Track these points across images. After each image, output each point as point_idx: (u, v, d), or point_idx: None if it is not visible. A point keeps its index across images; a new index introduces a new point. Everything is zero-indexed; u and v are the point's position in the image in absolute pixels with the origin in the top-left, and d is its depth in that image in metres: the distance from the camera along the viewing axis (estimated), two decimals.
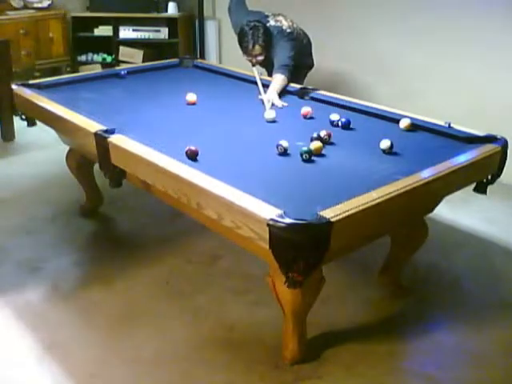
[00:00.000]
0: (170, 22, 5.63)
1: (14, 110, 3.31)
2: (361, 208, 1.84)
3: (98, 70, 5.26)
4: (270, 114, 2.78)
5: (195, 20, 5.73)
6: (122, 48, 5.72)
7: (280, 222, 1.73)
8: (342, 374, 2.19)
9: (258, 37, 3.44)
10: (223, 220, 1.95)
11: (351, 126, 2.67)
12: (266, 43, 3.48)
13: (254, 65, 3.55)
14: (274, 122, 2.75)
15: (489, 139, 2.45)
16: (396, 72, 4.33)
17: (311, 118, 2.81)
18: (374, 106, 2.92)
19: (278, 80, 3.25)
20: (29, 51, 5.43)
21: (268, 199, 1.86)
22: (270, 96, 3.05)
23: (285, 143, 2.33)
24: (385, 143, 2.36)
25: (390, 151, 2.36)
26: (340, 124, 2.68)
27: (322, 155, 2.34)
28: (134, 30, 5.65)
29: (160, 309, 2.57)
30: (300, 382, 2.15)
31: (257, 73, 3.37)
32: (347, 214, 1.80)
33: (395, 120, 2.71)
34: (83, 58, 5.82)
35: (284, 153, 2.33)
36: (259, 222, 1.78)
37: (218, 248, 3.01)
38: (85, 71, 5.04)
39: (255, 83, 3.30)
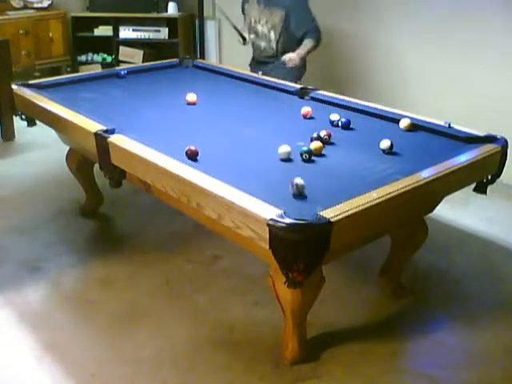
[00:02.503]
0: (170, 22, 5.63)
1: (14, 110, 3.31)
2: (361, 208, 1.84)
3: (98, 70, 5.26)
4: (284, 148, 2.30)
5: (195, 20, 5.73)
6: (121, 48, 5.72)
7: (280, 222, 1.73)
8: (341, 374, 2.19)
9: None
10: (223, 220, 1.95)
11: (351, 126, 2.67)
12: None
13: (244, 41, 3.67)
14: (288, 160, 2.29)
15: (489, 139, 2.45)
16: (396, 72, 4.33)
17: (311, 118, 2.81)
18: (374, 105, 2.92)
19: (307, 45, 3.47)
20: (29, 51, 5.44)
21: (268, 199, 1.86)
22: (289, 55, 3.18)
23: (300, 181, 1.96)
24: (385, 143, 2.36)
25: (390, 151, 2.36)
26: (340, 124, 2.68)
27: (322, 155, 2.34)
28: (134, 30, 5.65)
29: (160, 309, 2.57)
30: (300, 382, 2.15)
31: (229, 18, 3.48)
32: (347, 213, 1.80)
33: (395, 120, 2.71)
34: (83, 58, 5.82)
35: (299, 194, 1.97)
36: (259, 222, 1.78)
37: (218, 248, 3.01)
38: (85, 71, 5.03)
39: (255, 83, 3.30)
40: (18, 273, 2.83)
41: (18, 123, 4.08)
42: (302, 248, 1.75)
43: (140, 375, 2.18)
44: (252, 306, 2.58)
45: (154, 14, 5.60)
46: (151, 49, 5.78)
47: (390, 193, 1.95)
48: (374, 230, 2.10)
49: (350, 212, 1.81)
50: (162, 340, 2.36)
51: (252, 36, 3.78)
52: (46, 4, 5.60)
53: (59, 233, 3.23)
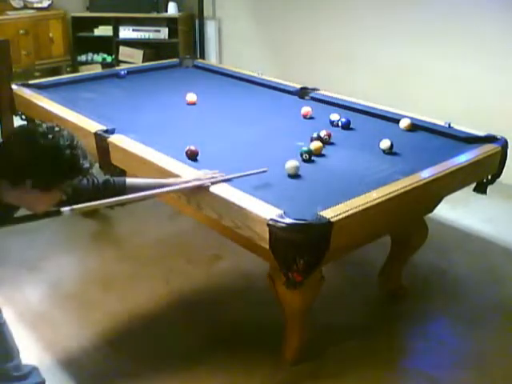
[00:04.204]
0: (170, 22, 5.63)
1: (14, 110, 3.31)
2: (361, 208, 1.84)
3: (98, 70, 5.26)
4: (292, 163, 2.15)
5: (195, 20, 5.73)
6: (121, 48, 5.71)
7: (280, 222, 1.73)
8: (341, 374, 2.19)
9: None
10: (223, 220, 1.95)
11: (351, 126, 2.67)
12: None
13: None
14: (296, 176, 2.14)
15: (489, 139, 2.45)
16: (396, 72, 4.33)
17: (311, 118, 2.81)
18: (373, 105, 2.92)
19: None
20: (29, 51, 5.43)
21: (268, 199, 1.86)
22: None
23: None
24: (385, 143, 2.36)
25: (390, 151, 2.36)
26: (340, 124, 2.68)
27: (322, 155, 2.34)
28: (134, 30, 5.65)
29: (160, 309, 2.57)
30: (300, 382, 2.15)
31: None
32: (347, 213, 1.80)
33: (395, 120, 2.71)
34: (83, 58, 5.81)
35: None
36: (259, 222, 1.78)
37: (218, 248, 3.01)
38: (85, 71, 5.03)
39: (255, 83, 3.30)
40: (17, 272, 2.83)
41: (18, 123, 4.08)
42: (302, 248, 1.74)
43: (140, 375, 2.18)
44: (252, 306, 2.58)
45: (154, 14, 5.59)
46: (151, 49, 5.78)
47: (389, 193, 1.94)
48: (374, 230, 2.10)
49: (350, 212, 1.81)
50: (162, 340, 2.36)
51: None
52: (46, 4, 5.59)
53: (59, 233, 3.23)
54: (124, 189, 1.91)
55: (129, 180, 1.97)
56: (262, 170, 2.08)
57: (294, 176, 2.14)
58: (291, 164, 2.14)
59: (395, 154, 2.36)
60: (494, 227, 3.32)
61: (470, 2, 3.82)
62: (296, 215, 1.74)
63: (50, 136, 1.53)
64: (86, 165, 1.60)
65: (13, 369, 1.90)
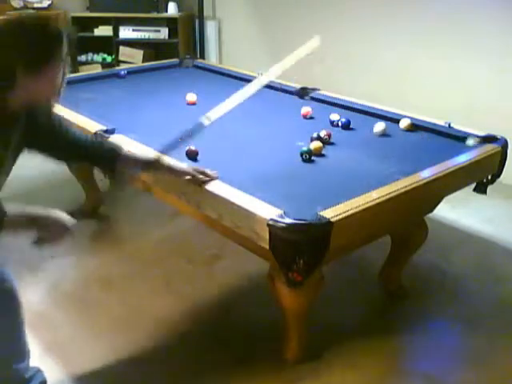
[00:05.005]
0: (170, 22, 5.62)
1: None
2: (361, 208, 1.84)
3: (98, 70, 5.26)
4: (379, 126, 2.59)
5: (195, 20, 5.73)
6: (122, 48, 5.71)
7: (280, 222, 1.73)
8: (341, 374, 2.19)
9: None
10: (223, 220, 1.95)
11: (351, 126, 2.67)
12: None
13: None
14: (384, 135, 2.57)
15: (489, 139, 2.45)
16: (396, 72, 4.33)
17: (311, 118, 2.81)
18: (373, 105, 2.92)
19: None
20: None
21: (268, 199, 1.86)
22: None
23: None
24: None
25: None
26: (340, 124, 2.68)
27: (322, 155, 2.34)
28: (134, 30, 5.65)
29: (160, 309, 2.57)
30: (300, 382, 2.15)
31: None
32: (347, 214, 1.80)
33: (395, 120, 2.71)
34: (83, 58, 5.81)
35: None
36: (259, 222, 1.78)
37: (218, 248, 3.01)
38: (85, 71, 5.03)
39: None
40: (18, 272, 2.82)
41: None
42: (302, 248, 1.75)
43: (139, 375, 2.18)
44: (252, 306, 2.58)
45: (154, 14, 5.59)
46: (151, 49, 5.78)
47: (389, 193, 1.95)
48: (374, 230, 2.10)
49: (349, 212, 1.81)
50: (162, 340, 2.36)
51: None
52: (45, 4, 5.58)
53: None
54: (119, 153, 1.93)
55: (126, 151, 1.98)
56: None
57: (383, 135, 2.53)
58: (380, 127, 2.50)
59: (395, 154, 2.36)
60: (494, 227, 3.32)
61: (469, 2, 3.82)
62: (296, 215, 1.74)
63: (26, 15, 1.54)
64: (70, 32, 1.61)
65: (24, 370, 1.91)
